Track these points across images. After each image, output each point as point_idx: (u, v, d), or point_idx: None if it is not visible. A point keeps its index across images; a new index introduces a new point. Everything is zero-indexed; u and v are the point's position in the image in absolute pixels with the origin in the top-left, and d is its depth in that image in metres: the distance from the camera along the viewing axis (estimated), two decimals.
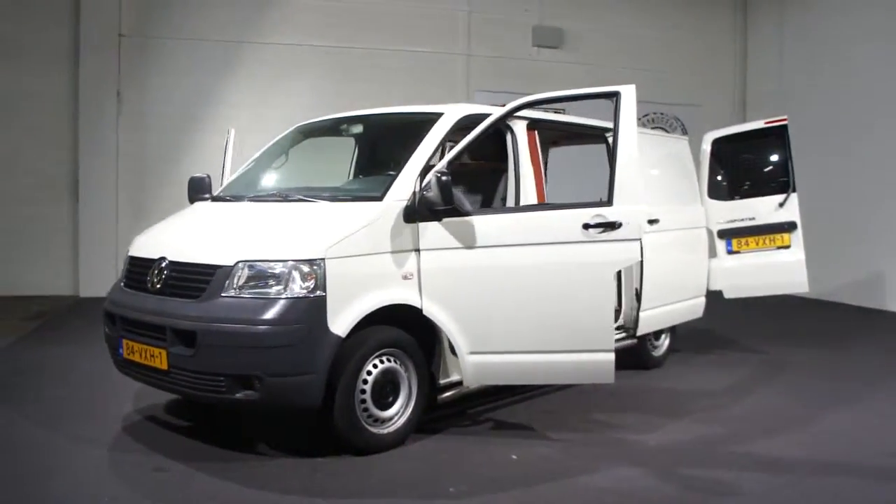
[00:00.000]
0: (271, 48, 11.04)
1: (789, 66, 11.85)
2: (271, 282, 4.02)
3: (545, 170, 7.82)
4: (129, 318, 4.40)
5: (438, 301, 4.40)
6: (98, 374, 5.76)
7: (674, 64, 12.55)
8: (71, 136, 10.25)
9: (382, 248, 4.26)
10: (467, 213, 4.37)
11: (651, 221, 6.10)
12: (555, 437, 4.67)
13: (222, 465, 4.09)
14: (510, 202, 5.03)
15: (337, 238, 4.10)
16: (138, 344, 4.32)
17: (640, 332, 6.07)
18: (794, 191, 6.61)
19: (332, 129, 5.61)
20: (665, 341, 6.76)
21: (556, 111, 11.53)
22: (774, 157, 6.83)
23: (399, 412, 4.41)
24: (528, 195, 5.00)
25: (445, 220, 4.37)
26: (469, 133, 4.49)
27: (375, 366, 4.28)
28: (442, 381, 4.71)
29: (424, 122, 4.77)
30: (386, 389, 4.34)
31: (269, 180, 5.33)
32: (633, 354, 6.41)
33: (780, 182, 6.68)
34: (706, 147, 7.01)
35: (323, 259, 4.01)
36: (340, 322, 4.03)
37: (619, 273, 6.11)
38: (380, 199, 4.36)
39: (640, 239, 4.37)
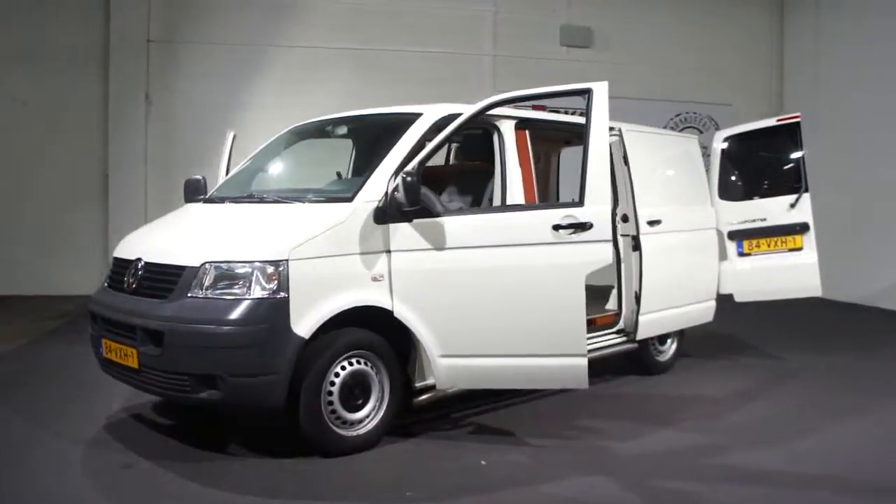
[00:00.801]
0: (297, 51, 11.12)
1: (826, 64, 11.44)
2: (236, 283, 4.03)
3: (557, 169, 7.78)
4: (108, 318, 4.47)
5: (409, 303, 4.35)
6: (100, 374, 5.85)
7: (707, 63, 12.24)
8: (101, 139, 10.51)
9: (350, 250, 4.23)
10: (438, 214, 4.31)
11: (652, 222, 5.95)
12: (532, 444, 4.57)
13: (190, 464, 4.12)
14: (496, 203, 4.95)
15: (301, 239, 4.08)
16: (115, 343, 4.38)
17: (639, 336, 5.92)
18: (806, 191, 6.35)
19: (321, 130, 5.60)
20: (672, 346, 6.57)
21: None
22: (787, 156, 6.57)
23: (370, 415, 4.38)
24: (515, 196, 4.91)
25: (416, 221, 4.32)
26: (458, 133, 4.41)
27: (344, 367, 4.26)
28: (419, 384, 4.65)
29: (404, 123, 4.74)
30: (355, 391, 4.31)
31: (255, 182, 5.34)
32: (636, 359, 6.28)
33: (793, 182, 6.43)
34: (717, 146, 6.79)
35: (286, 260, 4.00)
36: (304, 323, 4.02)
37: (618, 275, 6.00)
38: (350, 200, 4.33)
39: (611, 240, 4.25)
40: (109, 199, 10.46)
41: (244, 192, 5.08)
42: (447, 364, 4.41)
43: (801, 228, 6.37)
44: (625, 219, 5.97)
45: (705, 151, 6.96)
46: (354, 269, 4.23)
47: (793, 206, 6.39)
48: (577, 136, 6.31)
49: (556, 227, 4.22)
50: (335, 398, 4.21)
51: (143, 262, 4.42)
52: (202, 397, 4.03)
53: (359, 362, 4.31)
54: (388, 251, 4.34)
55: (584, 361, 4.30)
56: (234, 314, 3.94)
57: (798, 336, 8.24)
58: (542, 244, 4.25)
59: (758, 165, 6.84)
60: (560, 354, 4.31)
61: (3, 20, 10.16)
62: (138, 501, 3.72)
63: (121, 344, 4.31)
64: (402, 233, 4.33)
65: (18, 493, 3.76)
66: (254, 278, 4.00)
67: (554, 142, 7.51)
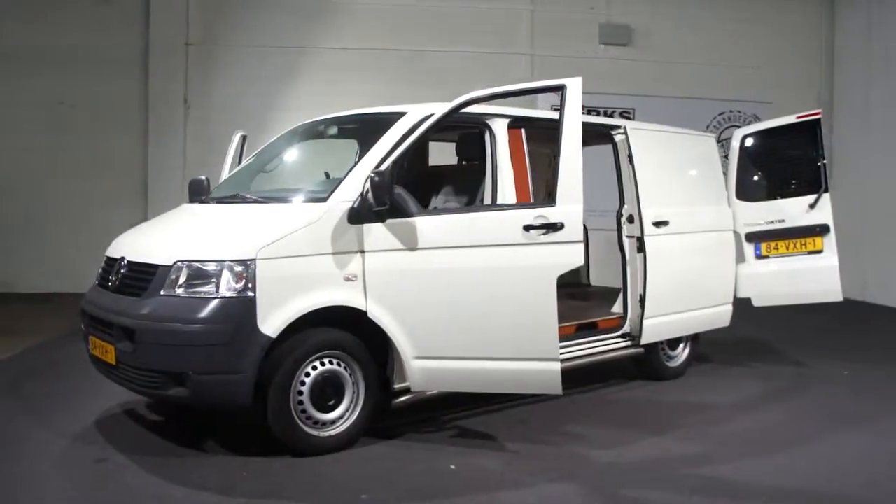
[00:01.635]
0: (333, 53, 11.22)
1: (879, 61, 10.92)
2: (205, 282, 4.06)
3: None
4: (93, 315, 4.57)
5: (383, 304, 4.30)
6: None
7: (752, 60, 11.83)
8: (141, 142, 10.81)
9: (323, 250, 4.20)
10: (411, 214, 4.26)
11: (658, 223, 5.76)
12: (510, 449, 4.47)
13: (160, 460, 4.16)
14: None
15: (270, 239, 4.08)
16: (98, 340, 4.48)
17: (644, 341, 5.74)
18: (826, 190, 6.06)
19: (316, 131, 5.61)
20: (684, 351, 6.34)
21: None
22: (807, 155, 6.28)
23: (343, 415, 4.35)
24: (507, 196, 4.79)
25: (389, 221, 4.28)
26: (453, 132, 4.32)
27: (315, 367, 4.24)
28: (397, 386, 4.60)
29: (389, 122, 4.70)
30: (327, 392, 4.29)
31: (249, 183, 5.38)
32: (645, 364, 6.10)
33: (813, 181, 6.14)
34: (735, 144, 6.56)
35: (254, 260, 4.01)
36: (271, 323, 4.02)
37: (623, 278, 5.83)
38: (325, 200, 4.32)
39: (582, 241, 4.12)
40: (148, 200, 10.73)
41: (232, 192, 5.12)
42: (421, 366, 4.36)
43: (821, 230, 6.09)
44: (630, 219, 5.80)
45: None
46: (326, 269, 4.21)
47: (812, 206, 6.12)
48: (593, 135, 6.22)
49: (528, 228, 4.12)
50: (305, 398, 4.20)
51: (125, 261, 4.51)
52: (171, 394, 4.08)
53: (331, 362, 4.29)
54: (363, 251, 4.30)
55: (556, 366, 4.19)
56: (201, 313, 3.97)
57: (833, 343, 7.87)
58: (513, 245, 4.17)
59: (777, 164, 6.56)
60: (532, 358, 4.22)
61: (48, 28, 10.56)
62: (92, 493, 3.77)
63: (103, 341, 4.40)
64: (376, 233, 4.29)
65: None
66: (222, 277, 4.02)
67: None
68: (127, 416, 5.05)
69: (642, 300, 5.70)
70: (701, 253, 6.13)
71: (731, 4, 11.90)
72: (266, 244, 4.06)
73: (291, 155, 5.57)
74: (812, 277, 6.12)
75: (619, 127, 5.87)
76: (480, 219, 4.33)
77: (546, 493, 3.81)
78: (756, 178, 6.51)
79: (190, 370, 3.96)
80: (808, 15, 12.19)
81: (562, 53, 11.58)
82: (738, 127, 11.49)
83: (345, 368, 4.34)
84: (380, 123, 4.78)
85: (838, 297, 6.11)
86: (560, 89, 4.19)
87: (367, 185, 4.16)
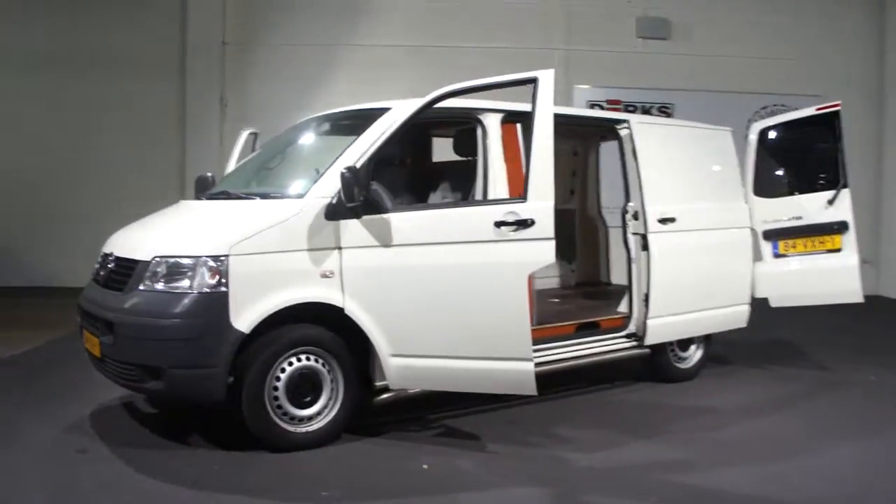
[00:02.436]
0: (368, 50, 11.25)
1: None
2: (181, 277, 4.10)
3: (597, 165, 7.49)
4: (84, 309, 4.68)
5: (360, 300, 4.28)
6: None
7: (797, 53, 11.44)
8: (179, 141, 11.05)
9: (299, 246, 4.20)
10: (386, 210, 4.23)
11: (664, 220, 5.60)
12: (489, 450, 4.40)
13: (141, 452, 4.23)
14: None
15: (244, 235, 4.11)
16: (88, 333, 4.58)
17: (649, 341, 5.59)
18: (845, 186, 5.78)
19: (311, 127, 5.63)
20: (696, 352, 6.13)
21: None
22: (825, 149, 5.99)
23: (322, 412, 4.35)
24: (499, 192, 4.70)
25: (365, 217, 4.25)
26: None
27: (291, 363, 4.25)
28: (379, 383, 4.58)
29: (374, 118, 4.67)
30: (304, 388, 4.29)
31: (244, 180, 5.41)
32: (653, 365, 5.93)
33: (831, 177, 5.86)
34: (752, 137, 6.31)
35: (227, 255, 4.04)
36: (245, 318, 4.04)
37: (629, 276, 5.69)
38: (302, 196, 4.32)
39: (553, 238, 4.01)
40: (186, 198, 10.91)
41: (222, 189, 5.17)
42: (397, 364, 4.32)
43: (840, 227, 5.82)
44: (635, 216, 5.64)
45: None
46: (303, 265, 4.21)
47: (831, 202, 5.84)
48: (608, 130, 6.07)
49: (499, 224, 4.04)
50: (281, 394, 4.21)
51: (113, 256, 4.60)
52: (149, 388, 4.16)
53: (308, 359, 4.29)
54: (340, 248, 4.28)
55: (529, 366, 4.10)
56: (174, 307, 4.02)
57: (866, 346, 7.52)
58: (484, 242, 4.10)
59: (795, 159, 6.29)
60: (505, 358, 4.14)
61: (87, 29, 10.89)
62: (64, 483, 3.85)
63: (91, 334, 4.50)
64: (352, 229, 4.27)
65: None
66: (197, 273, 4.06)
67: (587, 137, 7.24)
68: (123, 408, 5.14)
69: (647, 299, 5.55)
70: (713, 251, 5.93)
71: None
72: (239, 240, 4.08)
73: (289, 152, 5.58)
74: (830, 277, 5.85)
75: (623, 121, 5.72)
76: (452, 215, 4.27)
77: (509, 497, 3.74)
78: (773, 173, 6.25)
79: (165, 364, 4.02)
80: (854, 3, 11.68)
81: (598, 48, 11.40)
82: None
83: (323, 365, 4.34)
84: (368, 119, 4.76)
85: (859, 299, 5.83)
86: (532, 82, 4.10)
87: (339, 181, 4.15)
